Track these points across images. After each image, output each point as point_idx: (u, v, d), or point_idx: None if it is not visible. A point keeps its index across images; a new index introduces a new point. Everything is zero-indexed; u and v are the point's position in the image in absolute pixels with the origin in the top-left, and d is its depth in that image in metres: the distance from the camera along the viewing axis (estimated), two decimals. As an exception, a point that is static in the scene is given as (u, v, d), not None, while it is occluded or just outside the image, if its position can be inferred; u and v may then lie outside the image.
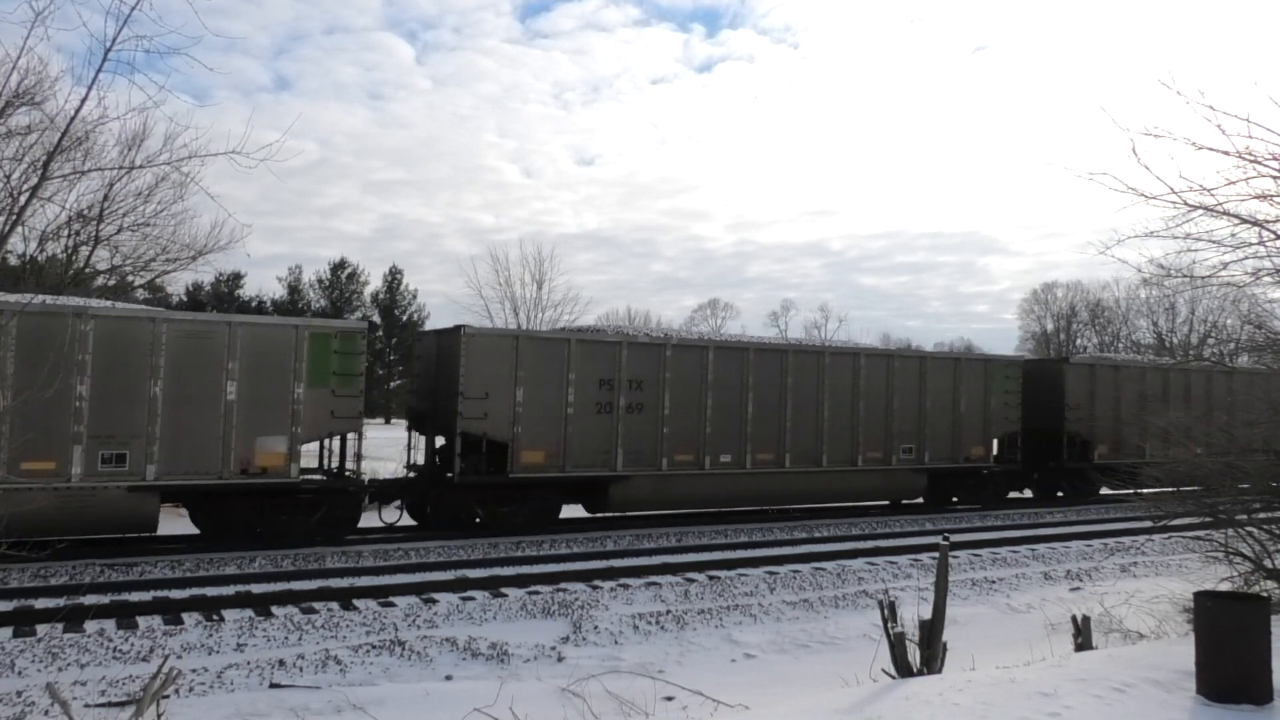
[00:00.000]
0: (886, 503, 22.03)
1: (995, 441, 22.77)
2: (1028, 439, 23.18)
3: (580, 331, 19.08)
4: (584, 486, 17.68)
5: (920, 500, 21.97)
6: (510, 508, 16.77)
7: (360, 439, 15.59)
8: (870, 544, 16.51)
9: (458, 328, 16.42)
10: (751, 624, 11.43)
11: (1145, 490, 11.96)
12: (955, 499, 22.20)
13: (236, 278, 63.06)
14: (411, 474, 17.61)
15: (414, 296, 71.28)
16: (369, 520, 16.49)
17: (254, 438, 14.25)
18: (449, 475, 16.14)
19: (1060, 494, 24.20)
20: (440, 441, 17.23)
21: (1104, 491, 24.65)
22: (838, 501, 20.78)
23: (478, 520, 16.50)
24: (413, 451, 17.89)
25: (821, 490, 20.02)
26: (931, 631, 7.02)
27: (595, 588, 12.57)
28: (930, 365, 21.41)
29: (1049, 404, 23.24)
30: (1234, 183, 8.28)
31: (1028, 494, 24.70)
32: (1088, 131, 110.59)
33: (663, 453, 17.72)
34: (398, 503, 16.97)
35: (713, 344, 18.89)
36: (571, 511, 18.19)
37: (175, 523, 15.96)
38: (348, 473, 15.61)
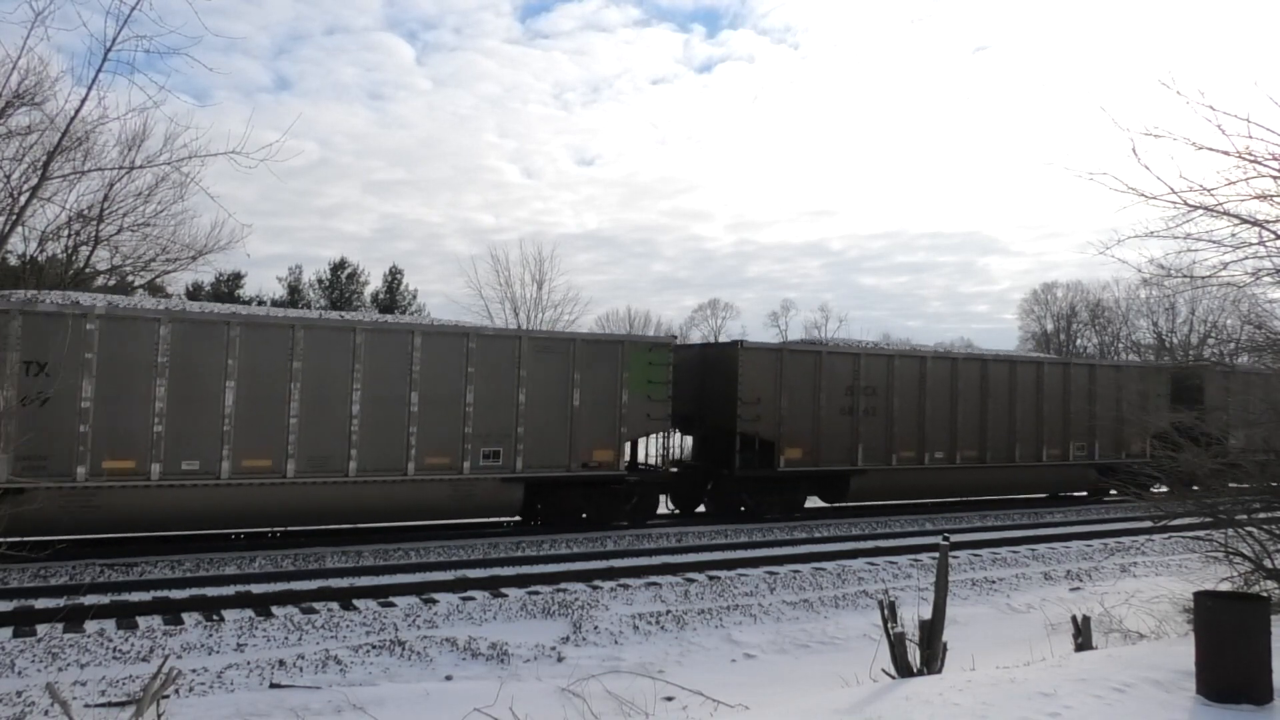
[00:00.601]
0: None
1: (642, 443, 18.97)
2: (708, 441, 19.72)
3: None
4: None
5: (518, 518, 17.53)
6: None
7: None
8: (870, 544, 16.51)
9: None
10: (751, 624, 11.43)
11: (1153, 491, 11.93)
12: (584, 515, 17.56)
13: (237, 278, 63.06)
14: None
15: (414, 296, 71.19)
16: None
17: None
18: None
19: (743, 509, 19.46)
20: None
21: (813, 504, 21.05)
22: (377, 520, 15.82)
23: None
24: None
25: (348, 507, 15.06)
26: (931, 631, 7.02)
27: (595, 588, 12.58)
28: (529, 346, 16.63)
29: (724, 397, 18.98)
30: (1234, 183, 8.28)
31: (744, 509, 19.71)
32: (1088, 131, 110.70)
33: None
34: None
35: (100, 314, 13.26)
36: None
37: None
38: None
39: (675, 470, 19.63)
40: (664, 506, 19.79)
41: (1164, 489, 25.65)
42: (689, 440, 21.53)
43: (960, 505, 22.68)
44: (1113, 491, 24.30)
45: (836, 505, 21.19)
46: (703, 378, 19.70)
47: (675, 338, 20.27)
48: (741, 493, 19.27)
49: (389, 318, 18.29)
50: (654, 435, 18.59)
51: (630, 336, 19.35)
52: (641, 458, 19.57)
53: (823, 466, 19.76)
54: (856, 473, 20.09)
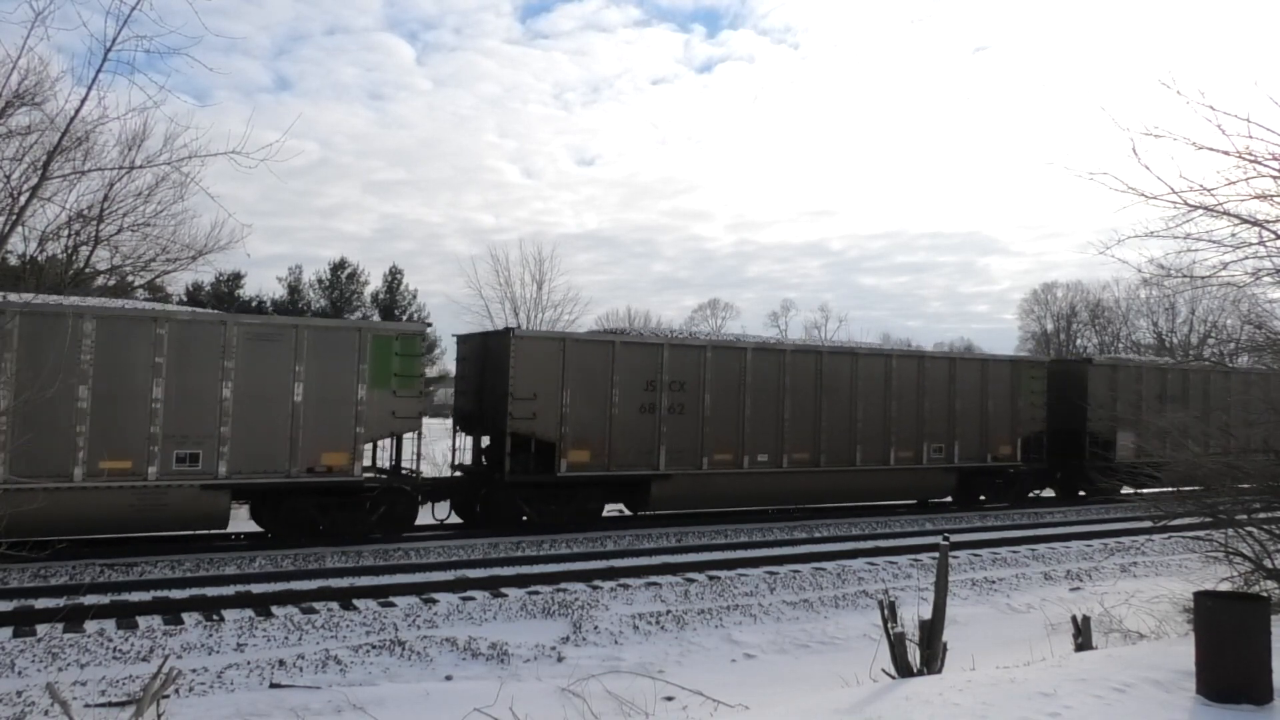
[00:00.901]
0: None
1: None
2: (494, 442, 17.33)
3: None
4: None
5: (231, 532, 15.43)
6: None
7: None
8: (870, 544, 16.51)
9: None
10: (751, 624, 11.43)
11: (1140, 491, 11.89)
12: (321, 527, 15.31)
13: (237, 278, 63.09)
14: None
15: (414, 296, 71.22)
16: None
17: None
18: None
19: (525, 519, 17.19)
20: None
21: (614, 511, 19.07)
22: (35, 535, 11.39)
23: None
24: None
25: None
26: (931, 631, 7.01)
27: (595, 588, 12.58)
28: (239, 334, 14.36)
29: (499, 393, 16.82)
30: (1234, 183, 8.29)
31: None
32: (1088, 131, 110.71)
33: None
34: None
35: None
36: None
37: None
38: None
39: (459, 475, 17.90)
40: (431, 516, 17.47)
41: (1047, 494, 24.47)
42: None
43: (794, 514, 20.14)
44: (982, 498, 22.69)
45: (640, 514, 18.93)
46: (483, 371, 17.77)
47: (430, 324, 18.15)
48: (518, 500, 17.13)
49: (52, 299, 15.46)
50: (418, 435, 16.36)
51: (372, 323, 16.34)
52: (418, 461, 16.86)
53: (615, 471, 17.49)
54: (659, 478, 17.88)
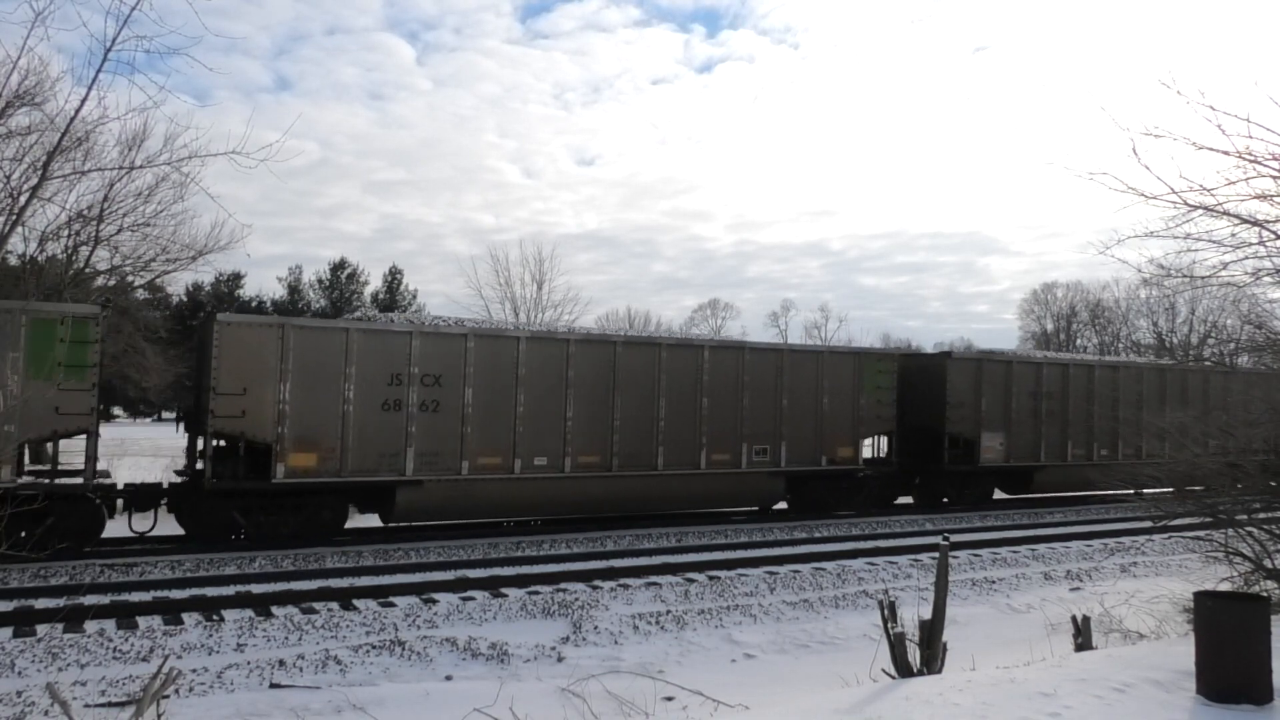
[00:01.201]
0: None
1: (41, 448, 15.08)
2: (245, 450, 14.80)
3: None
4: None
5: None
6: None
7: None
8: (870, 544, 16.51)
9: None
10: (751, 624, 11.43)
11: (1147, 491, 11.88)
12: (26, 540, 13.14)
13: (237, 278, 63.21)
14: None
15: (414, 296, 71.42)
16: None
17: None
18: None
19: (242, 532, 15.07)
20: None
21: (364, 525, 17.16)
22: None
23: None
24: None
25: None
26: (931, 631, 7.02)
27: (595, 588, 12.58)
28: None
29: (205, 387, 15.01)
30: (1234, 183, 8.29)
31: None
32: (1088, 131, 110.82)
33: None
34: None
35: None
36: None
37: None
38: None
39: (183, 480, 15.80)
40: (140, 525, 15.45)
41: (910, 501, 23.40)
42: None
43: (589, 522, 18.07)
44: (844, 510, 20.10)
45: (390, 526, 16.90)
46: (201, 363, 15.68)
47: (106, 308, 16.04)
48: (230, 510, 14.89)
49: None
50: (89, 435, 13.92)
51: (29, 304, 14.37)
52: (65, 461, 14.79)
53: (350, 477, 15.26)
54: (407, 484, 15.67)
